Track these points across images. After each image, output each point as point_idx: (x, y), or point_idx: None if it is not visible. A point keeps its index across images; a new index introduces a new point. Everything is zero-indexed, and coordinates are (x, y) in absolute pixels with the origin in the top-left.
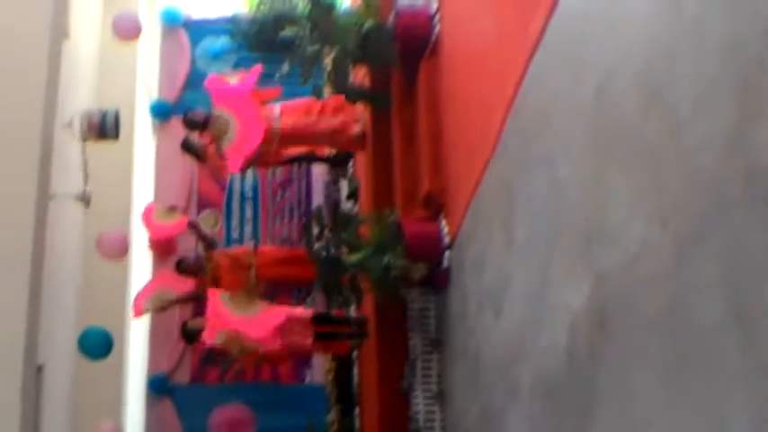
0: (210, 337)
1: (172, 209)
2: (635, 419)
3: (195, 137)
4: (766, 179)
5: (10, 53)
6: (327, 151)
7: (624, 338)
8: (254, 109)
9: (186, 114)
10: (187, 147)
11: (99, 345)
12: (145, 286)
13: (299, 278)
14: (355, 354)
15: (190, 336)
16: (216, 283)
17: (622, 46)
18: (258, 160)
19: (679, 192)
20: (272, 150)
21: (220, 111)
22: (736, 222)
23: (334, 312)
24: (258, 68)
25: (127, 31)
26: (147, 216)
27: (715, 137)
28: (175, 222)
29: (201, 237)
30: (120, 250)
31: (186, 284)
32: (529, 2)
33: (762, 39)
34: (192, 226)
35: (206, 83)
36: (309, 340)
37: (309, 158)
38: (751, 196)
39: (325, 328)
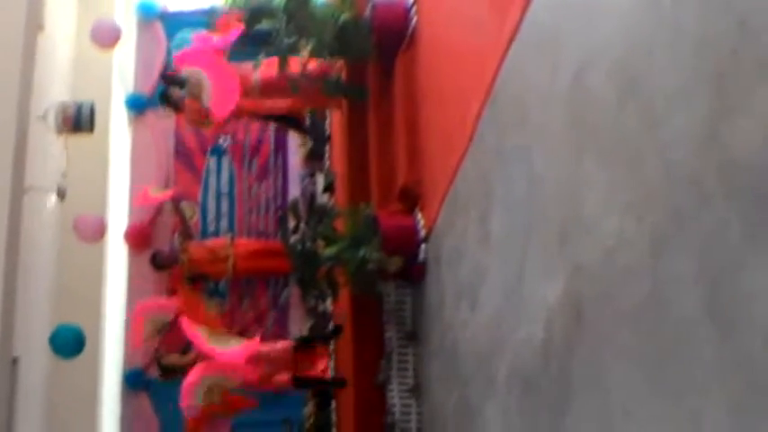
0: (189, 394)
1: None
2: (611, 412)
3: (174, 91)
4: (741, 173)
5: None
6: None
7: (600, 331)
8: (222, 63)
9: (164, 72)
10: (165, 99)
11: (70, 343)
12: (135, 315)
13: (275, 270)
14: (331, 347)
15: (165, 371)
16: (192, 274)
17: (599, 38)
18: (238, 112)
19: (655, 185)
20: (252, 102)
21: (190, 70)
22: (712, 216)
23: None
24: (236, 31)
25: (106, 38)
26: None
27: (691, 130)
28: (164, 194)
29: (182, 218)
30: (97, 233)
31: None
32: None
33: (736, 32)
34: (176, 203)
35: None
36: (287, 377)
37: (288, 120)
38: (726, 190)
39: (306, 375)
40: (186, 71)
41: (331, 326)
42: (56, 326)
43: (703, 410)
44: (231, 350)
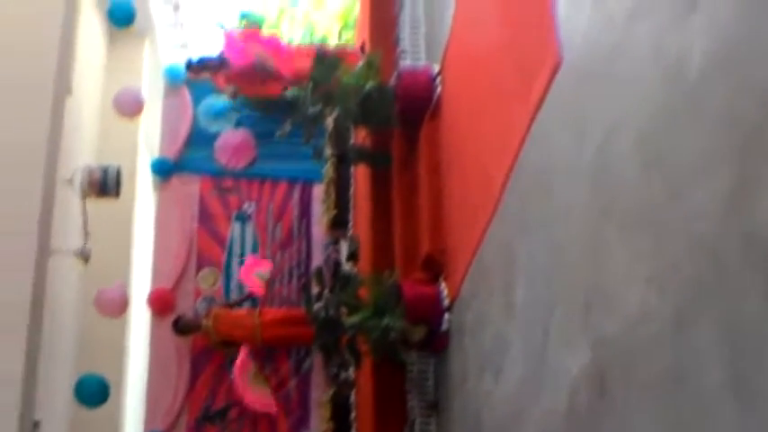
0: None
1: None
2: None
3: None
4: (762, 246)
5: (13, 107)
6: None
7: (623, 404)
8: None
9: (194, 63)
10: (180, 328)
11: (95, 392)
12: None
13: (298, 338)
14: (353, 416)
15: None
16: (220, 340)
17: (623, 109)
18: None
19: (677, 257)
20: None
21: (260, 52)
22: (734, 289)
23: None
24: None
25: (129, 107)
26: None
27: (713, 202)
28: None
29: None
30: (119, 307)
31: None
32: (532, 63)
33: (760, 109)
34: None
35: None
36: None
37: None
38: (748, 263)
39: None
40: (258, 53)
41: None
42: (81, 375)
43: None
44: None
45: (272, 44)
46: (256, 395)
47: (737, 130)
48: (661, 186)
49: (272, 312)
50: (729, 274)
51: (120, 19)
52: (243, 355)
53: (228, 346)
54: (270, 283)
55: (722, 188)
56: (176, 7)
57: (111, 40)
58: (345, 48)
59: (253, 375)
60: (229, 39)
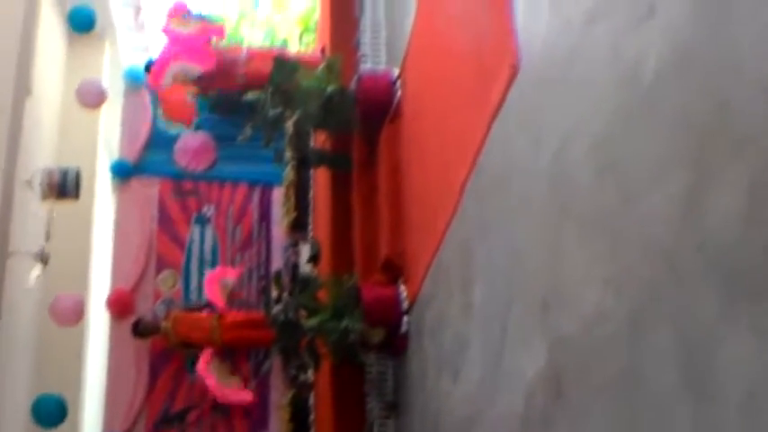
0: None
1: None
2: None
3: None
4: (716, 249)
5: None
6: None
7: (579, 408)
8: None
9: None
10: (139, 330)
11: (52, 412)
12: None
13: (258, 341)
14: (312, 418)
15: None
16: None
17: (580, 112)
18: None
19: (632, 260)
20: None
21: (182, 64)
22: (688, 291)
23: None
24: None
25: (91, 98)
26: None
27: (668, 206)
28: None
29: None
30: (75, 316)
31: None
32: (490, 68)
33: (715, 113)
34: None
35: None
36: None
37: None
38: (701, 266)
39: None
40: (179, 64)
41: None
42: (36, 396)
43: None
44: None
45: (193, 45)
46: (229, 390)
47: (692, 134)
48: (615, 191)
49: (232, 315)
50: (683, 276)
51: (80, 24)
52: (206, 356)
53: (188, 349)
54: (230, 291)
55: (677, 192)
56: (137, 10)
57: (71, 42)
58: (305, 52)
59: (219, 372)
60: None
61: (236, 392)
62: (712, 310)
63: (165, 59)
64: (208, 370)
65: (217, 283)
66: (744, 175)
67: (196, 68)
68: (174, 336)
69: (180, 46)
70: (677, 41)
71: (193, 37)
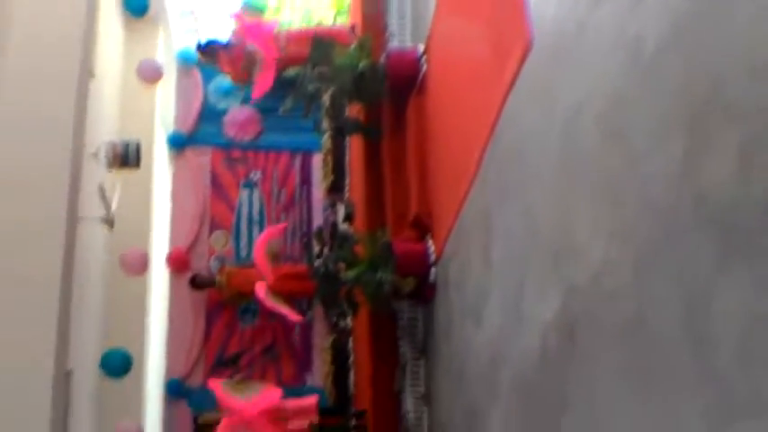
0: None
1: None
2: (600, 418)
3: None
4: (711, 206)
5: (43, 90)
6: None
7: (589, 348)
8: (273, 47)
9: (204, 46)
10: (207, 52)
11: (119, 365)
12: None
13: (301, 292)
14: (351, 360)
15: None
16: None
17: (587, 85)
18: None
19: (636, 216)
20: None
21: (251, 45)
22: (686, 244)
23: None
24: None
25: (150, 75)
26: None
27: (666, 169)
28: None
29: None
30: (141, 267)
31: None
32: (505, 44)
33: (708, 85)
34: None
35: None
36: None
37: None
38: (699, 221)
39: (327, 423)
40: (249, 45)
41: (354, 410)
42: (105, 350)
43: (679, 415)
44: (248, 402)
45: (263, 35)
46: (284, 308)
47: (688, 104)
48: (619, 155)
49: (275, 269)
50: (682, 231)
51: (135, 9)
52: (262, 286)
53: (239, 299)
54: (275, 252)
55: (675, 156)
56: None
57: (128, 26)
58: (337, 28)
59: (275, 299)
60: (239, 21)
61: (289, 312)
62: (709, 261)
63: (238, 42)
64: (266, 296)
65: (263, 249)
66: (734, 140)
67: (260, 53)
68: (228, 288)
69: (250, 33)
70: (675, 20)
71: (261, 26)
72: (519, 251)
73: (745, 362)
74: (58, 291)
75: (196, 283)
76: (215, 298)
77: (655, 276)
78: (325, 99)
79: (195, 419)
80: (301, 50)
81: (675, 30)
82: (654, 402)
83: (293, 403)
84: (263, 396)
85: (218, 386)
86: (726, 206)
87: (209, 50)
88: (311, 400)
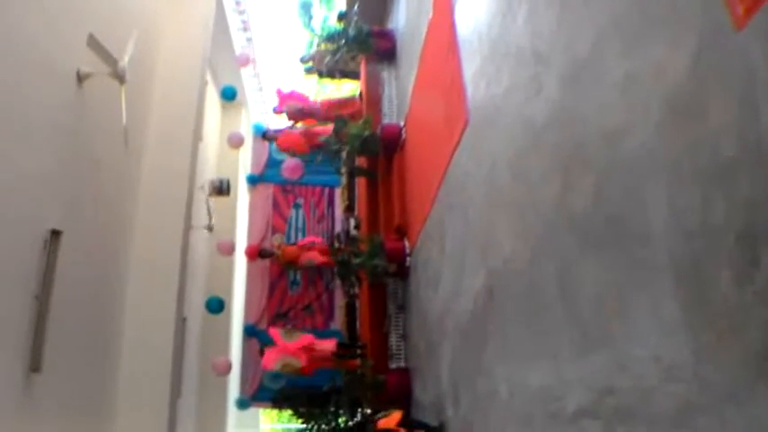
0: (270, 364)
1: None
2: (508, 349)
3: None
4: (575, 219)
5: (169, 147)
6: None
7: (502, 305)
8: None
9: (263, 133)
10: (262, 254)
11: (216, 306)
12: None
13: (328, 266)
14: (358, 312)
15: (264, 254)
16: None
17: (501, 146)
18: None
19: (532, 225)
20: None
21: (293, 104)
22: (561, 241)
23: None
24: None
25: (236, 141)
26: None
27: (550, 196)
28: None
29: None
30: (230, 250)
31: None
32: (453, 121)
33: (574, 147)
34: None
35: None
36: (331, 362)
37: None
38: (568, 228)
39: (343, 352)
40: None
41: (359, 344)
42: (208, 296)
43: (557, 347)
44: (293, 342)
45: (303, 98)
46: (290, 342)
47: (562, 159)
48: (522, 188)
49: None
50: (559, 233)
51: (228, 96)
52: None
53: (289, 266)
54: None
55: (554, 189)
56: (257, 76)
57: (223, 107)
58: (353, 99)
59: (284, 334)
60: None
61: (291, 344)
62: (574, 252)
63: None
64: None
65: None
66: (590, 181)
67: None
68: (282, 258)
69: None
70: (553, 107)
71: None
72: (461, 245)
73: (596, 312)
74: (177, 271)
75: (262, 253)
76: (275, 270)
77: (542, 260)
78: (343, 154)
79: (261, 350)
80: (329, 115)
81: (553, 113)
82: (540, 337)
83: (321, 342)
84: (302, 339)
85: (276, 333)
86: (583, 220)
87: (266, 136)
88: (332, 342)
